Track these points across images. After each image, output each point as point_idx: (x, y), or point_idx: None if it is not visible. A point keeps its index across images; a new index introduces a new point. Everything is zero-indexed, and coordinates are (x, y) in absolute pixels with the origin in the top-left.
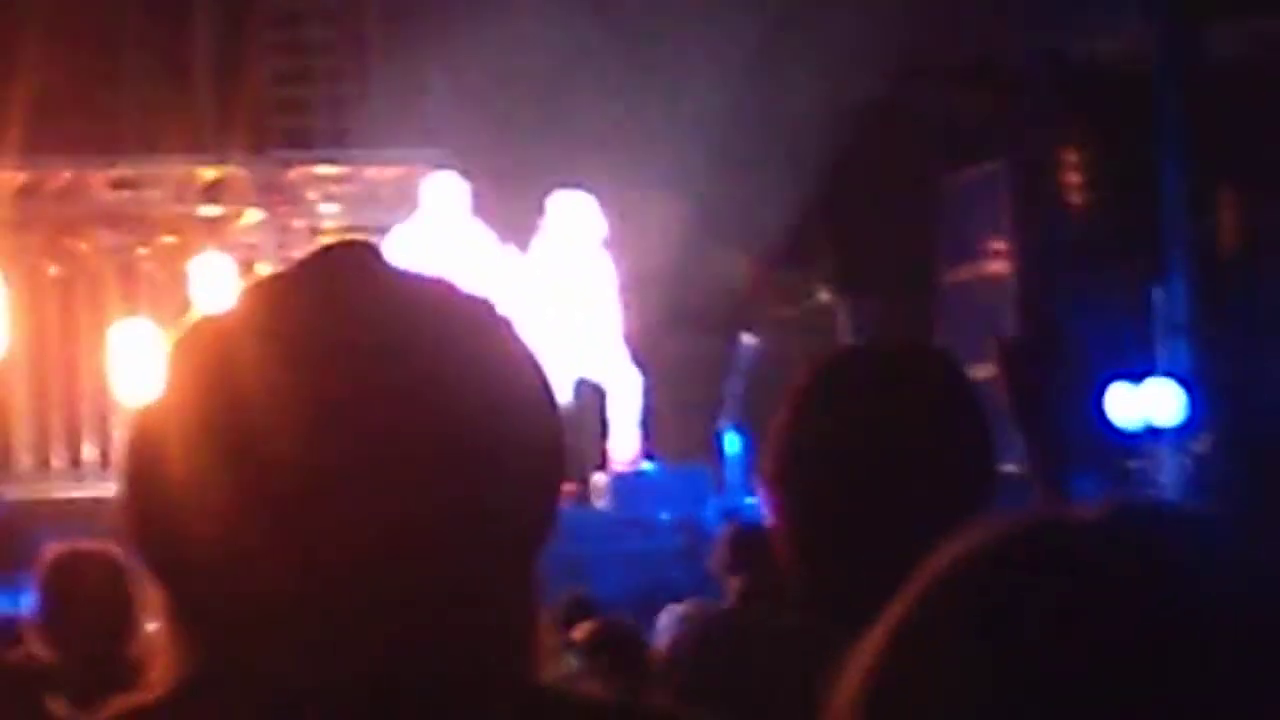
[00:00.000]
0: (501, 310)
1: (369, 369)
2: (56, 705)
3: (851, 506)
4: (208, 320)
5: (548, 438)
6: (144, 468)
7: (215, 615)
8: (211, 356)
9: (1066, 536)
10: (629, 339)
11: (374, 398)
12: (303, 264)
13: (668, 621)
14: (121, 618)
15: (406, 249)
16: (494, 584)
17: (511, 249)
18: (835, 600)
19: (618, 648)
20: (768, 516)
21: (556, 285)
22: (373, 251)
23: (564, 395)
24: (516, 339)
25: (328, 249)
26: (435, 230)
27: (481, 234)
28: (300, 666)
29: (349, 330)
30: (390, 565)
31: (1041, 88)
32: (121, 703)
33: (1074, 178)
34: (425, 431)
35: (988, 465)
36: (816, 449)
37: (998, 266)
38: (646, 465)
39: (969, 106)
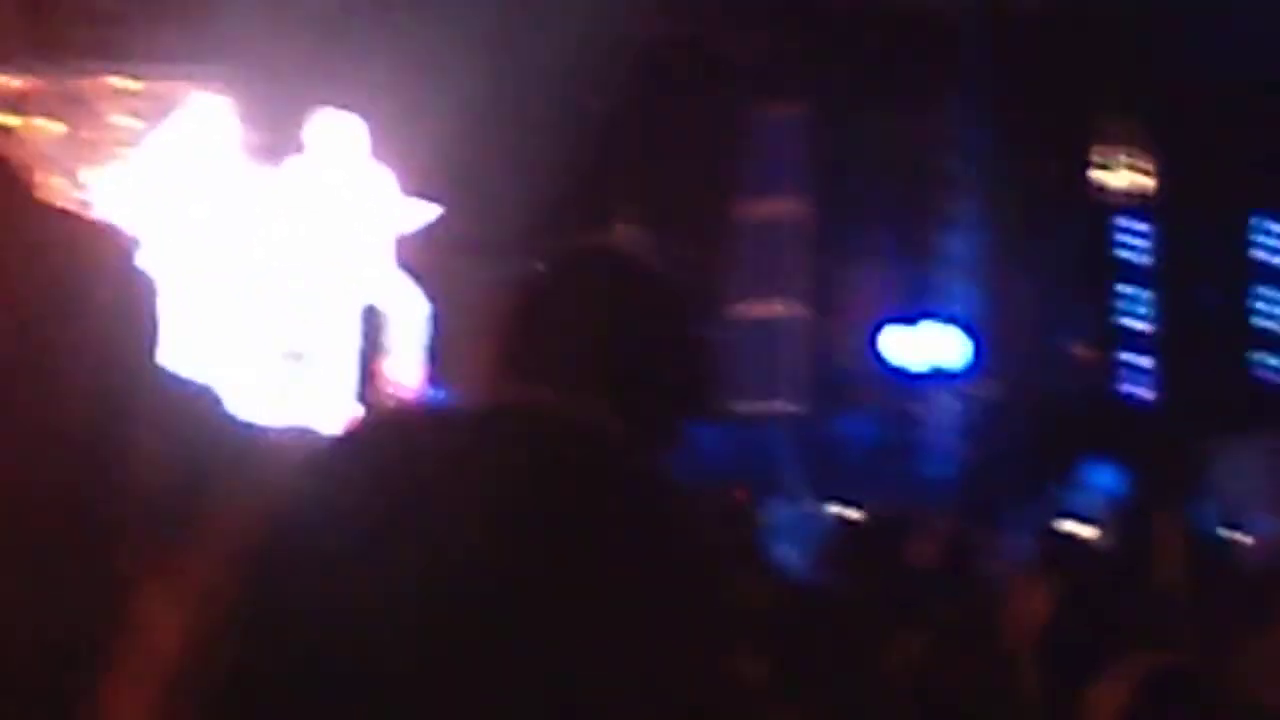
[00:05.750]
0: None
1: None
2: None
3: None
4: None
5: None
6: None
7: None
8: None
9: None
10: (419, 266)
11: None
12: None
13: None
14: None
15: (157, 160)
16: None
17: (268, 168)
18: None
19: None
20: None
21: (317, 206)
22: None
23: (350, 321)
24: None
25: None
26: (190, 145)
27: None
28: None
29: None
30: None
31: (851, 32)
32: None
33: (874, 123)
34: None
35: None
36: None
37: (793, 206)
38: (432, 394)
39: (776, 46)
